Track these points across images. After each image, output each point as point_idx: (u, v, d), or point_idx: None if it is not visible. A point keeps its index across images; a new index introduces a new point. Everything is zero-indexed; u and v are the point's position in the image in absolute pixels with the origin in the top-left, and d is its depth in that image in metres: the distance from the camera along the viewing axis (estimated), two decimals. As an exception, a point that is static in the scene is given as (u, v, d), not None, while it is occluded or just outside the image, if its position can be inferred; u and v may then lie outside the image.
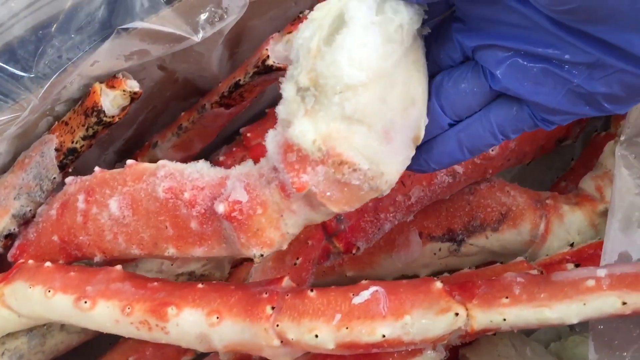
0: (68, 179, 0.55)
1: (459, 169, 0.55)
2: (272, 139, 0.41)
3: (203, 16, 0.56)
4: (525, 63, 0.37)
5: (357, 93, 0.37)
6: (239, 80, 0.61)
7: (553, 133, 0.59)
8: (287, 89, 0.39)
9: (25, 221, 0.58)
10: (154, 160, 0.65)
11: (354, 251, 0.54)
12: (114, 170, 0.51)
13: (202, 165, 0.47)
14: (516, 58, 0.37)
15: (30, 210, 0.57)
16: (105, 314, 0.46)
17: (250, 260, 0.59)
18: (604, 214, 0.57)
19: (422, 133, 0.40)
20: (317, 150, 0.38)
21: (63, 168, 0.58)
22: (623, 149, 0.49)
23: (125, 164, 0.52)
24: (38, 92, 0.53)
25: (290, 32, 0.58)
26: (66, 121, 0.57)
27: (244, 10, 0.57)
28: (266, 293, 0.44)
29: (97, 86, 0.56)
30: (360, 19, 0.36)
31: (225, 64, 0.66)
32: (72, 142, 0.57)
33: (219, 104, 0.64)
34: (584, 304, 0.40)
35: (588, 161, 0.62)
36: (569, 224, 0.57)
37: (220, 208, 0.42)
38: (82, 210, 0.50)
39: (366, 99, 0.37)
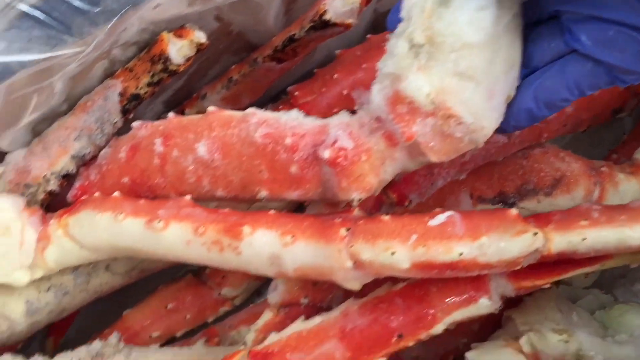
0: (135, 123, 0.60)
1: (515, 129, 0.60)
2: (378, 92, 0.47)
3: (268, -37, 0.61)
4: (600, 27, 0.43)
5: (473, 52, 0.43)
6: (294, 34, 0.66)
7: (609, 103, 0.65)
8: (399, 45, 0.45)
9: (84, 163, 0.63)
10: (202, 112, 0.71)
11: (406, 204, 0.59)
12: (190, 116, 0.56)
13: (296, 114, 0.53)
14: (592, 22, 0.43)
15: (90, 152, 0.62)
16: (177, 234, 0.51)
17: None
18: (660, 183, 0.61)
19: (513, 93, 0.47)
20: (429, 103, 0.45)
21: (125, 113, 0.63)
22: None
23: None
24: (104, 28, 0.58)
25: (348, -12, 0.63)
26: (130, 68, 0.63)
27: (307, -39, 0.62)
28: (339, 218, 0.49)
29: (165, 35, 0.61)
30: None
31: (280, 19, 0.71)
32: (136, 88, 0.62)
33: (271, 57, 0.69)
34: (665, 224, 0.45)
35: (641, 134, 0.68)
36: (624, 192, 0.62)
37: (326, 154, 0.48)
38: (160, 153, 0.55)
39: (479, 58, 0.43)
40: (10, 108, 0.59)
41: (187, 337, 0.73)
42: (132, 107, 0.63)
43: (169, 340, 0.73)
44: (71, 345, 0.64)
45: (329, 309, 0.55)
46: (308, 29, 0.65)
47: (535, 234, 0.45)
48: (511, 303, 0.63)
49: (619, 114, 0.68)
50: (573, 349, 0.57)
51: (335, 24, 0.63)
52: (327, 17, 0.63)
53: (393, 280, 0.53)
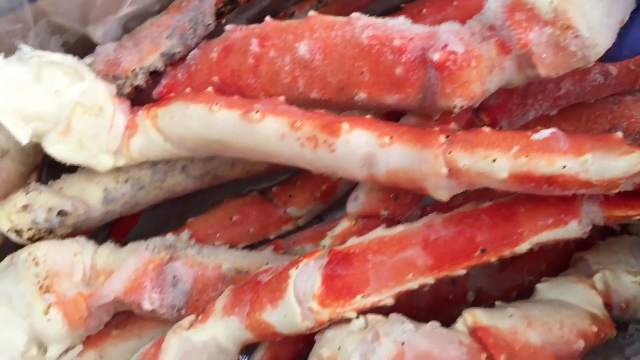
0: (229, 26, 0.61)
1: (612, 70, 0.60)
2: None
3: None
4: None
5: None
6: (391, -45, 0.66)
7: None
8: None
9: (172, 62, 0.64)
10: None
11: (496, 128, 0.59)
12: (288, 20, 0.57)
13: (403, 19, 0.53)
14: None
15: (179, 52, 0.63)
16: (273, 127, 0.51)
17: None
18: None
19: (627, 18, 0.47)
20: (551, 10, 0.45)
21: (219, 16, 0.64)
22: None
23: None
24: None
25: None
26: (231, -29, 0.63)
27: None
28: (437, 127, 0.50)
29: None
30: None
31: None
32: (234, -9, 0.63)
33: (366, -20, 0.69)
34: None
35: None
36: None
37: (436, 56, 0.49)
38: (256, 53, 0.56)
39: None
40: (113, -7, 0.60)
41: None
42: (227, 10, 0.64)
43: (230, 251, 0.74)
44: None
45: (406, 225, 0.56)
46: (406, -50, 0.65)
47: (644, 154, 0.45)
48: (581, 246, 0.63)
49: None
50: (645, 292, 0.57)
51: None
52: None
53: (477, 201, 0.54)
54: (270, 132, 0.52)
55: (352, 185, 0.77)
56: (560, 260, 0.63)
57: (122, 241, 0.79)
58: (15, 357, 0.57)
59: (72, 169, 0.65)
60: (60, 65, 0.57)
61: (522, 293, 0.63)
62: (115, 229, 0.79)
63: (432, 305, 0.59)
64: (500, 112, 0.58)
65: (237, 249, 0.64)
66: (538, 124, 0.62)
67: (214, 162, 0.68)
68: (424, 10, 0.72)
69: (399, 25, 0.52)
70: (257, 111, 0.52)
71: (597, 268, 0.58)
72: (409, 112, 0.56)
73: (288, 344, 0.56)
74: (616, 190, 0.47)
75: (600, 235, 0.64)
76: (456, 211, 0.52)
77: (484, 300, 0.62)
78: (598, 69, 0.59)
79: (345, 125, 0.50)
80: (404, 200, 0.57)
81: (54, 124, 0.57)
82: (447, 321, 0.54)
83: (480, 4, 0.51)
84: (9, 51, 0.59)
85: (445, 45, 0.49)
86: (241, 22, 0.76)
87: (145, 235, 0.80)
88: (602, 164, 0.45)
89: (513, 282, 0.63)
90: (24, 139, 0.56)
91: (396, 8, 0.76)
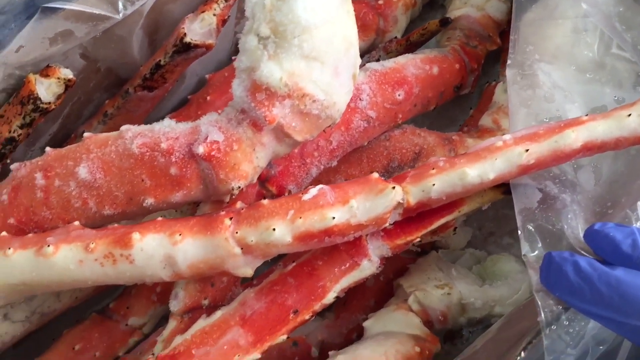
0: (14, 165, 0.60)
1: (371, 113, 0.65)
2: (238, 86, 0.51)
3: (123, -5, 0.64)
4: None
5: (312, 35, 0.48)
6: (160, 60, 0.69)
7: (450, 80, 0.72)
8: (248, 40, 0.50)
9: (-37, 215, 0.61)
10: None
11: (285, 194, 0.62)
12: (68, 147, 0.57)
13: (168, 121, 0.56)
14: None
15: (-33, 202, 0.61)
16: (68, 256, 0.51)
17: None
18: (503, 142, 0.69)
19: (357, 71, 0.52)
20: (283, 86, 0.49)
21: (1, 158, 0.63)
22: (510, 69, 0.61)
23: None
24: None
25: (204, 12, 0.67)
26: (1, 114, 0.63)
27: (160, -10, 0.65)
28: (223, 212, 0.52)
29: (31, 76, 0.62)
30: None
31: (145, 50, 0.74)
32: (10, 132, 0.63)
33: (142, 87, 0.71)
34: (496, 159, 0.50)
35: (484, 107, 0.75)
36: (474, 154, 0.68)
37: (200, 149, 0.51)
38: (43, 186, 0.56)
39: (319, 40, 0.48)
40: None
41: (100, 375, 0.71)
42: (8, 151, 0.64)
43: (82, 381, 0.71)
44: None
45: (230, 306, 0.57)
46: (172, 53, 0.68)
47: (394, 188, 0.50)
48: (399, 273, 0.68)
49: (461, 90, 0.75)
50: (455, 299, 0.62)
51: (196, 46, 0.67)
52: (187, 39, 0.66)
53: (284, 265, 0.56)
54: (67, 262, 0.51)
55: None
56: (384, 292, 0.66)
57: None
58: None
59: None
60: None
61: (361, 332, 0.65)
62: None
63: (281, 372, 0.61)
64: (284, 178, 0.61)
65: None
66: (328, 176, 0.67)
67: (37, 299, 0.66)
68: (209, 97, 0.76)
69: (165, 127, 0.54)
70: (49, 245, 0.51)
71: (410, 291, 0.62)
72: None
73: None
74: (387, 224, 0.51)
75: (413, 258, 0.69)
76: (266, 281, 0.54)
77: (330, 349, 0.64)
78: (359, 116, 0.64)
79: (135, 235, 0.50)
80: (220, 285, 0.58)
81: None
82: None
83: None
84: None
85: (207, 137, 0.52)
86: (35, 153, 0.75)
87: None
88: (365, 205, 0.49)
89: (350, 325, 0.66)
90: None
91: (184, 101, 0.79)
